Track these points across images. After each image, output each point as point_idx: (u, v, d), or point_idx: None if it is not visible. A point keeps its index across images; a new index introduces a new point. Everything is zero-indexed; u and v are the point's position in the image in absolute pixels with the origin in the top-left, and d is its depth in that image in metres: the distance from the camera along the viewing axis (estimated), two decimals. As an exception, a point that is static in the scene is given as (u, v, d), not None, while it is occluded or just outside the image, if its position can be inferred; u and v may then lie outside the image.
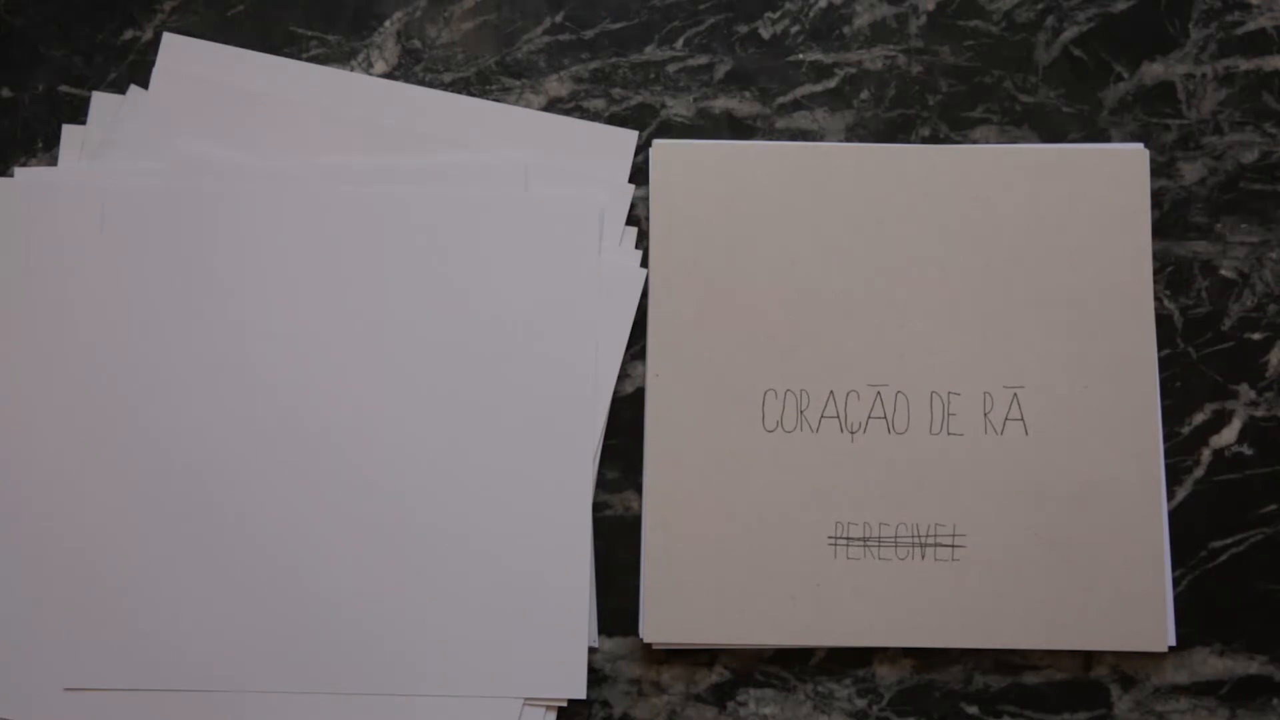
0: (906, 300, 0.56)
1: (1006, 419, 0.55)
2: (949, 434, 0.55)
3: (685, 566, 0.54)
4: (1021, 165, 0.56)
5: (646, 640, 0.53)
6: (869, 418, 0.55)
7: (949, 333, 0.55)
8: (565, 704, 0.53)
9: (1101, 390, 0.55)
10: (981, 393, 0.55)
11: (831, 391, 0.55)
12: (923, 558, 0.54)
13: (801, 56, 0.59)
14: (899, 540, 0.54)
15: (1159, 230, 0.57)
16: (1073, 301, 0.55)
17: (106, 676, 0.52)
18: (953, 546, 0.54)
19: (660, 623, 0.53)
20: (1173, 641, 0.54)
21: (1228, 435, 0.56)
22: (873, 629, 0.54)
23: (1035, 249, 0.56)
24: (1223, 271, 0.57)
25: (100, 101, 0.58)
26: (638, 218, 0.57)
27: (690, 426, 0.55)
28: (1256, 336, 0.57)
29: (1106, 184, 0.56)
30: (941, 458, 0.55)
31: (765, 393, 0.55)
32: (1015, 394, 0.55)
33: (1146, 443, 0.55)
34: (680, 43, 0.59)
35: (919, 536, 0.54)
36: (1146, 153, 0.57)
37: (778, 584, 0.54)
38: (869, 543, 0.54)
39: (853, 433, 0.55)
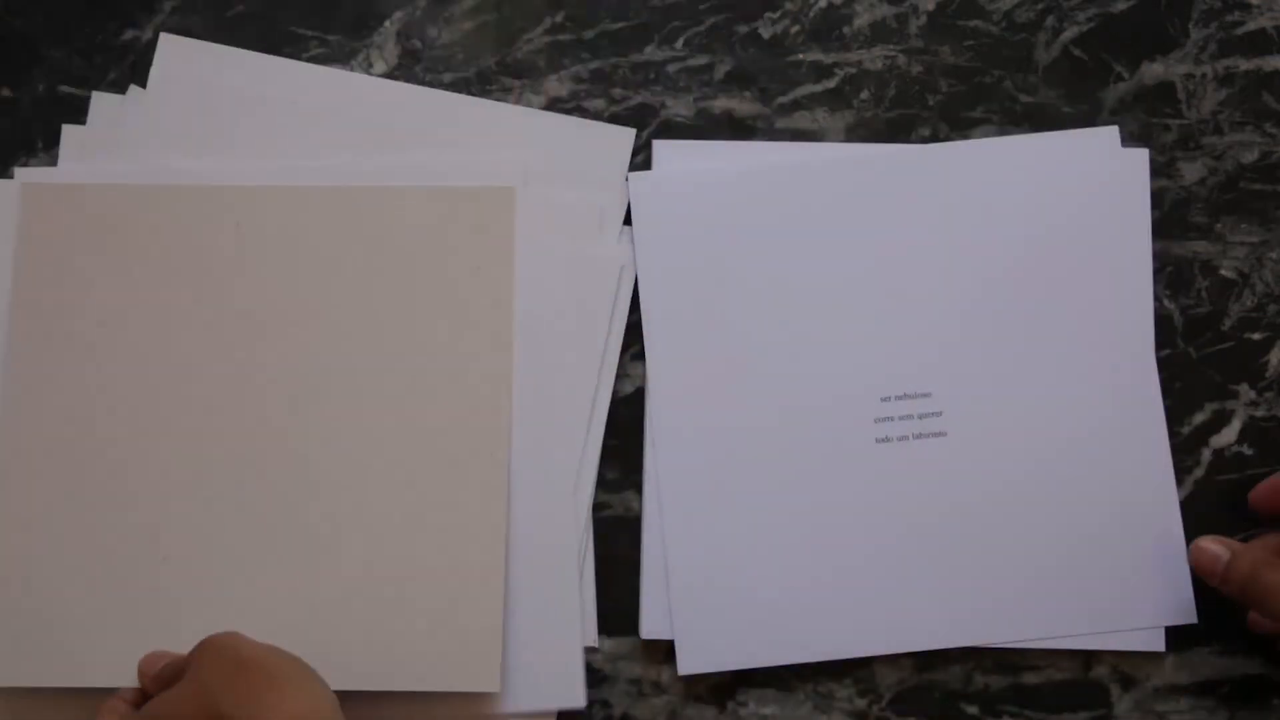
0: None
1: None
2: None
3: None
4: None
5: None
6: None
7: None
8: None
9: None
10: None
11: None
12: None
13: (801, 56, 0.59)
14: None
15: (1159, 230, 0.57)
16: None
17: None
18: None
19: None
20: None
21: (1228, 435, 0.56)
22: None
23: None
24: (1223, 271, 0.57)
25: (100, 101, 0.58)
26: (638, 218, 0.57)
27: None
28: (1256, 336, 0.57)
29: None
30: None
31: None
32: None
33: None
34: (680, 43, 0.59)
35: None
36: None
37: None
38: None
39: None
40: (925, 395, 0.55)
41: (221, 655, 0.46)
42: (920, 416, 0.55)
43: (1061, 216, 0.56)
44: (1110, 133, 0.57)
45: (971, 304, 0.55)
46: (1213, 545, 0.52)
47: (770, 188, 0.56)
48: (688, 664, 0.53)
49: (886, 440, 0.55)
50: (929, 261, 0.56)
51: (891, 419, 0.55)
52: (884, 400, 0.55)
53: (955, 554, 0.54)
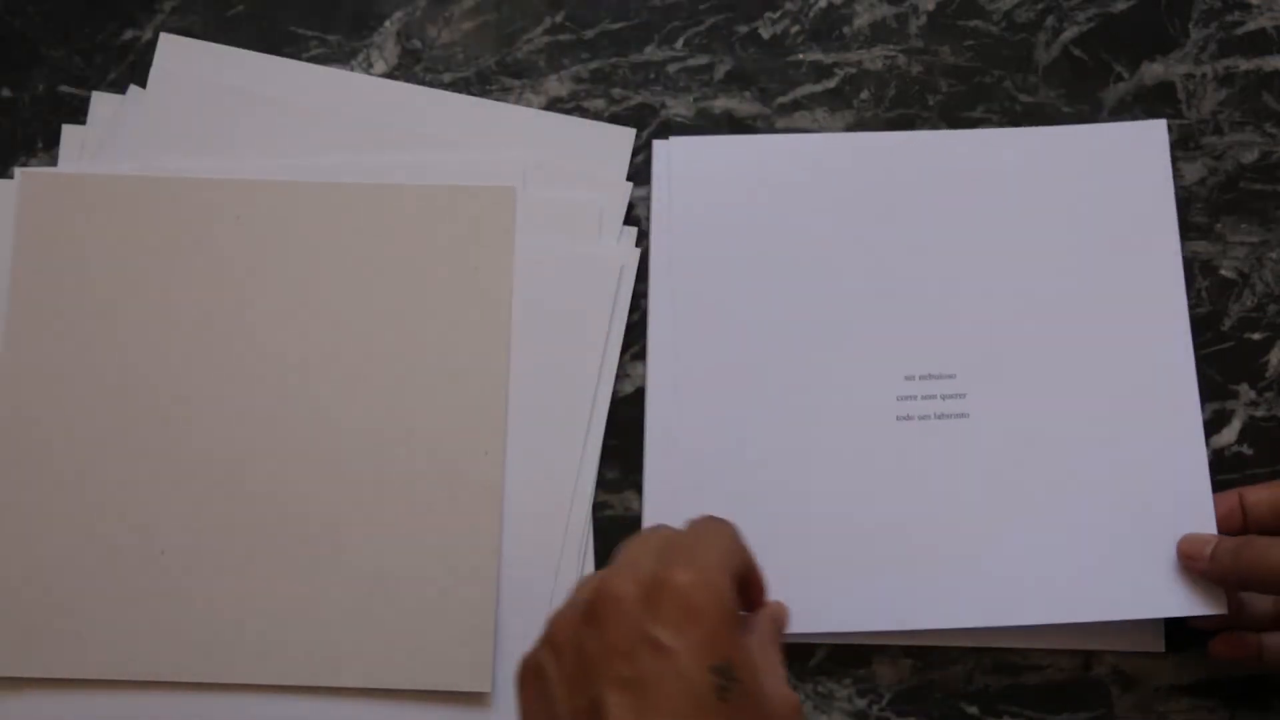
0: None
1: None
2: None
3: None
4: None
5: None
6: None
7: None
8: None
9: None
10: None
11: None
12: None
13: (801, 56, 0.59)
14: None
15: (1159, 230, 0.57)
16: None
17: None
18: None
19: None
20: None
21: (1228, 435, 0.56)
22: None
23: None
24: (1223, 271, 0.57)
25: (100, 101, 0.58)
26: (637, 217, 0.57)
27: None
28: (1256, 336, 0.57)
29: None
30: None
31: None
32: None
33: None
34: (680, 43, 0.59)
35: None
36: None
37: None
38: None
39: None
40: (950, 377, 0.55)
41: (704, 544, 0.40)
42: (944, 397, 0.55)
43: (1101, 208, 0.56)
44: (1158, 126, 0.57)
45: (1003, 289, 0.55)
46: (1198, 536, 0.52)
47: (799, 168, 0.56)
48: None
49: (908, 419, 0.55)
50: (962, 245, 0.55)
51: (915, 398, 0.55)
52: (908, 379, 0.55)
53: (973, 535, 0.53)
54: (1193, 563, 0.52)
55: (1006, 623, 0.53)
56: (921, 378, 0.55)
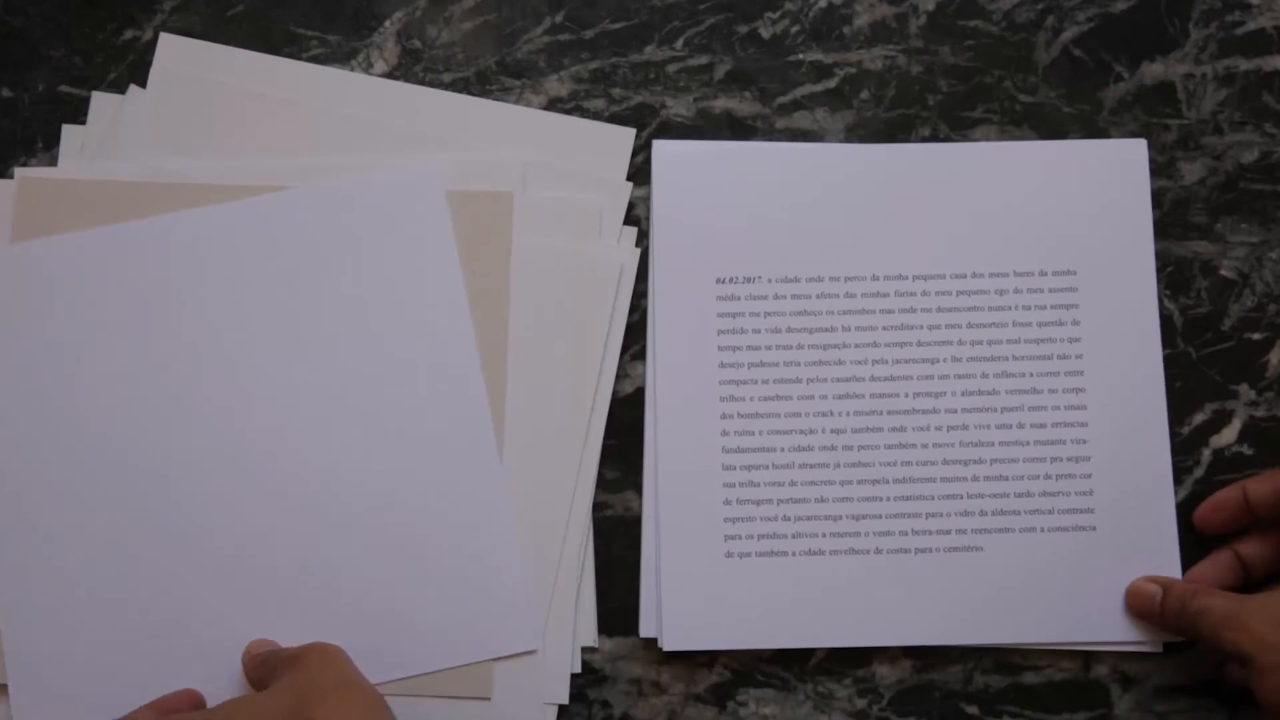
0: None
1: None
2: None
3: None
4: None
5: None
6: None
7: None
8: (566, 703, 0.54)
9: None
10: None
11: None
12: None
13: (801, 56, 0.59)
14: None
15: (1159, 230, 0.57)
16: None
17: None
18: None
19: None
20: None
21: (1228, 435, 0.56)
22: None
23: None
24: (1223, 271, 0.57)
25: (100, 101, 0.58)
26: (637, 217, 0.57)
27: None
28: (1256, 336, 0.57)
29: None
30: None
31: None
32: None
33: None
34: (680, 43, 0.59)
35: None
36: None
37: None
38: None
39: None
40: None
41: (327, 668, 0.46)
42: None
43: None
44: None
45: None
46: (1146, 585, 0.53)
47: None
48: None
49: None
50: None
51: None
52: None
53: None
54: (1147, 619, 0.53)
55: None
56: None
